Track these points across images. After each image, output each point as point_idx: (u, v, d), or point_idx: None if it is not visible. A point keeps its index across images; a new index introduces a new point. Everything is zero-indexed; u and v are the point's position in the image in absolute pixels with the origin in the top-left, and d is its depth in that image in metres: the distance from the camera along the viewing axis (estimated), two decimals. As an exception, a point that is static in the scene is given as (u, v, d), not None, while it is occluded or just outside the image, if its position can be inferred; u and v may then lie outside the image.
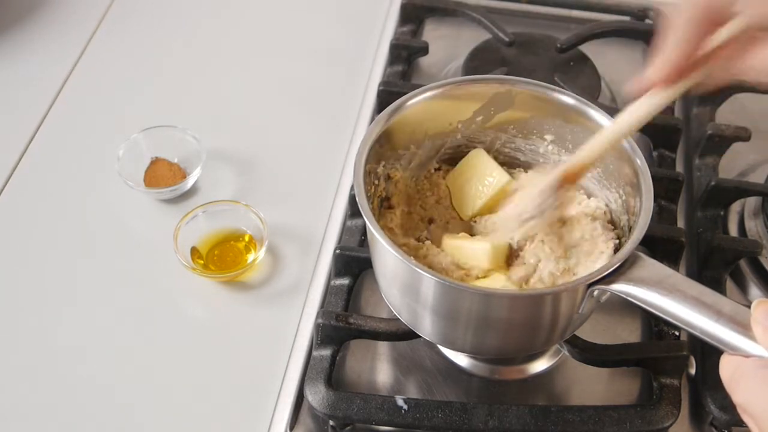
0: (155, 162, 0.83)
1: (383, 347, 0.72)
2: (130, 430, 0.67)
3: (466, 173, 0.70)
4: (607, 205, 0.67)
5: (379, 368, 0.71)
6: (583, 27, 0.95)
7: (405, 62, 0.93)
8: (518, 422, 0.63)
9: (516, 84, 0.67)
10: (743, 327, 0.48)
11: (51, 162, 0.85)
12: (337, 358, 0.68)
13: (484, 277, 0.63)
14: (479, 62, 0.92)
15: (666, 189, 0.80)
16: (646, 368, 0.68)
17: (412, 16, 0.99)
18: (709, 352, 0.69)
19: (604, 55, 0.96)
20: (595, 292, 0.56)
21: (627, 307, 0.74)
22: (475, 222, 0.69)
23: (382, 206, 0.68)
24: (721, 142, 0.84)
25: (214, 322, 0.73)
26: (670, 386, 0.66)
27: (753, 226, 0.80)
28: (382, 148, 0.65)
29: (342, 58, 0.97)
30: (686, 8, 0.53)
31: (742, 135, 0.84)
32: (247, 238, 0.77)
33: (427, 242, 0.66)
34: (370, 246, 0.65)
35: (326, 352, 0.67)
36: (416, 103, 0.66)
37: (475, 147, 0.71)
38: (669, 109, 0.90)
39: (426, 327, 0.62)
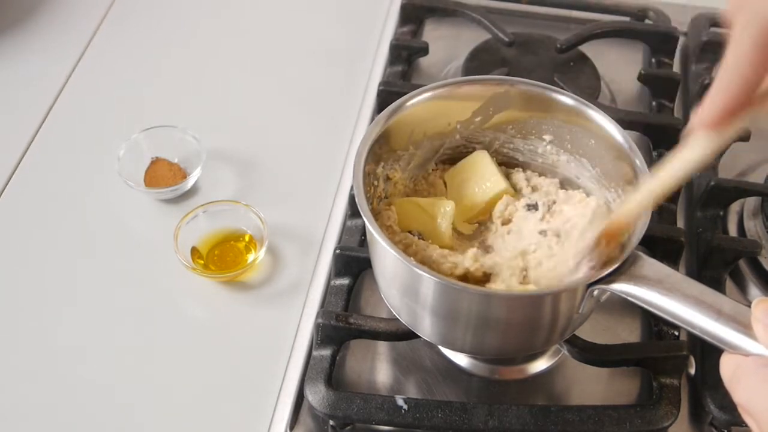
0: (155, 162, 0.83)
1: (383, 347, 0.72)
2: (130, 430, 0.67)
3: (465, 173, 0.70)
4: (608, 204, 0.67)
5: (379, 368, 0.71)
6: (583, 27, 0.95)
7: (405, 62, 0.93)
8: (518, 422, 0.63)
9: (515, 84, 0.67)
10: (744, 326, 0.48)
11: (51, 162, 0.85)
12: (337, 358, 0.68)
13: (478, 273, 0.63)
14: (479, 62, 0.92)
15: (666, 189, 0.80)
16: (645, 368, 0.68)
17: (412, 17, 0.99)
18: (708, 352, 0.69)
19: (604, 55, 0.96)
20: (595, 292, 0.56)
21: (627, 307, 0.74)
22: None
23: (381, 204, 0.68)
24: (720, 142, 0.84)
25: (214, 322, 0.73)
26: (669, 386, 0.66)
27: (752, 226, 0.80)
28: (382, 149, 0.65)
29: (342, 58, 0.97)
30: (749, 24, 0.43)
31: (742, 135, 0.84)
32: (247, 238, 0.77)
33: (416, 238, 0.66)
34: (369, 246, 0.65)
35: (326, 352, 0.67)
36: (415, 103, 0.66)
37: (474, 147, 0.71)
38: (669, 109, 0.90)
39: (425, 327, 0.62)
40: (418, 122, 0.67)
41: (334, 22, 1.02)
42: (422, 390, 0.69)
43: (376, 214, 0.66)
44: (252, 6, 1.03)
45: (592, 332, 0.71)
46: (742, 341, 0.48)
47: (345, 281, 0.73)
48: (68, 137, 0.87)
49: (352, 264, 0.73)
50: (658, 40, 0.96)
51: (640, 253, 0.55)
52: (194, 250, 0.76)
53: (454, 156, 0.72)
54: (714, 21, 0.98)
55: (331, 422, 0.65)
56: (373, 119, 0.85)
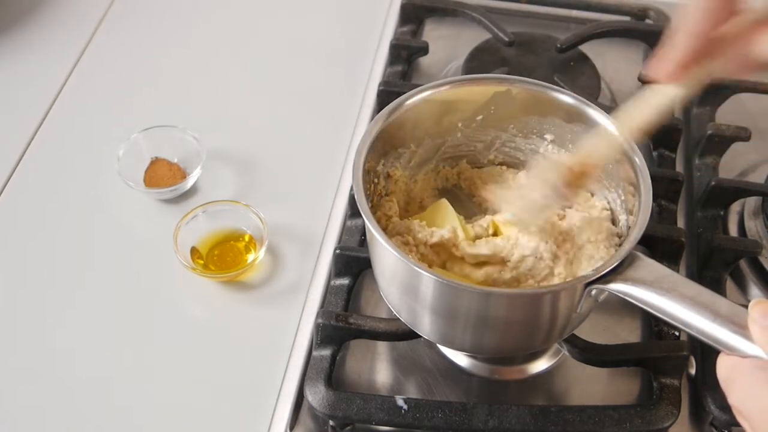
0: (155, 162, 0.83)
1: (383, 347, 0.72)
2: (130, 430, 0.67)
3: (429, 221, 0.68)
4: (609, 204, 0.67)
5: (379, 368, 0.71)
6: (583, 27, 0.95)
7: (405, 62, 0.93)
8: (518, 422, 0.63)
9: (516, 83, 0.67)
10: (740, 327, 0.48)
11: (50, 162, 0.85)
12: (337, 358, 0.68)
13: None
14: (479, 62, 0.92)
15: (666, 189, 0.80)
16: (646, 368, 0.68)
17: (412, 16, 0.99)
18: (709, 352, 0.69)
19: (604, 55, 0.96)
20: (593, 292, 0.56)
21: (627, 307, 0.74)
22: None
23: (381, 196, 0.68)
24: (721, 142, 0.84)
25: (214, 322, 0.73)
26: (670, 386, 0.66)
27: (753, 226, 0.80)
28: (383, 147, 0.65)
29: (342, 58, 0.97)
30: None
31: (742, 135, 0.84)
32: (247, 238, 0.77)
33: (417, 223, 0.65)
34: (369, 245, 0.65)
35: (326, 352, 0.67)
36: (416, 101, 0.66)
37: (475, 146, 0.71)
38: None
39: (425, 326, 0.62)
40: (419, 120, 0.67)
41: (334, 22, 1.02)
42: (422, 390, 0.69)
43: (376, 209, 0.66)
44: (252, 6, 1.03)
45: (592, 332, 0.71)
46: (738, 342, 0.48)
47: (345, 281, 0.73)
48: (68, 137, 0.87)
49: (352, 264, 0.73)
50: (659, 40, 0.96)
51: (639, 254, 0.55)
52: (194, 250, 0.76)
53: (456, 155, 0.72)
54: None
55: (331, 422, 0.65)
56: (373, 119, 0.85)
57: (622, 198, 0.65)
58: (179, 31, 1.00)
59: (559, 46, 0.93)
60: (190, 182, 0.81)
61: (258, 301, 0.75)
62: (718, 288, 0.74)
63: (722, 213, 0.81)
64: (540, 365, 0.71)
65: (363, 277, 0.75)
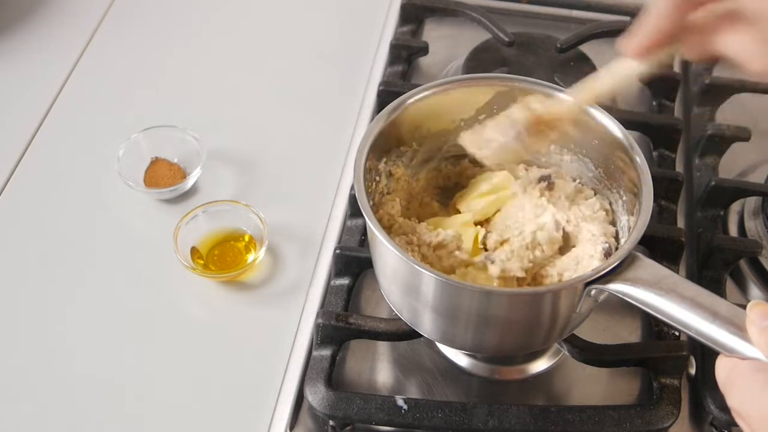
0: (155, 162, 0.83)
1: (383, 347, 0.72)
2: (130, 429, 0.67)
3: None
4: (611, 204, 0.67)
5: (379, 368, 0.71)
6: (583, 27, 0.95)
7: (405, 62, 0.93)
8: (518, 422, 0.63)
9: (518, 83, 0.67)
10: (739, 328, 0.48)
11: (51, 162, 0.85)
12: (337, 358, 0.68)
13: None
14: (479, 62, 0.92)
15: (666, 189, 0.80)
16: (646, 368, 0.68)
17: (412, 16, 0.99)
18: (709, 353, 0.69)
19: (604, 55, 0.96)
20: (593, 292, 0.56)
21: (627, 307, 0.73)
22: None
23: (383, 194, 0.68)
24: (721, 142, 0.84)
25: (214, 322, 0.73)
26: (670, 386, 0.66)
27: (753, 226, 0.80)
28: (384, 145, 0.65)
29: (342, 58, 0.97)
30: None
31: (742, 135, 0.84)
32: (247, 238, 0.77)
33: (417, 223, 0.66)
34: (370, 244, 0.65)
35: (326, 352, 0.67)
36: (419, 100, 0.66)
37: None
38: (669, 109, 0.90)
39: (426, 325, 0.62)
40: (421, 119, 0.67)
41: (334, 22, 1.02)
42: (422, 390, 0.69)
43: (378, 208, 0.66)
44: (252, 6, 1.03)
45: (592, 332, 0.71)
46: (737, 344, 0.48)
47: (345, 281, 0.73)
48: (68, 137, 0.87)
49: (352, 264, 0.73)
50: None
51: (638, 254, 0.55)
52: (194, 250, 0.76)
53: (458, 154, 0.72)
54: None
55: (331, 422, 0.65)
56: (373, 119, 0.85)
57: (623, 198, 0.65)
58: (179, 31, 1.00)
59: (559, 46, 0.93)
60: (190, 182, 0.81)
61: (258, 301, 0.75)
62: (718, 288, 0.74)
63: (722, 213, 0.81)
64: (540, 365, 0.71)
65: (363, 277, 0.75)
